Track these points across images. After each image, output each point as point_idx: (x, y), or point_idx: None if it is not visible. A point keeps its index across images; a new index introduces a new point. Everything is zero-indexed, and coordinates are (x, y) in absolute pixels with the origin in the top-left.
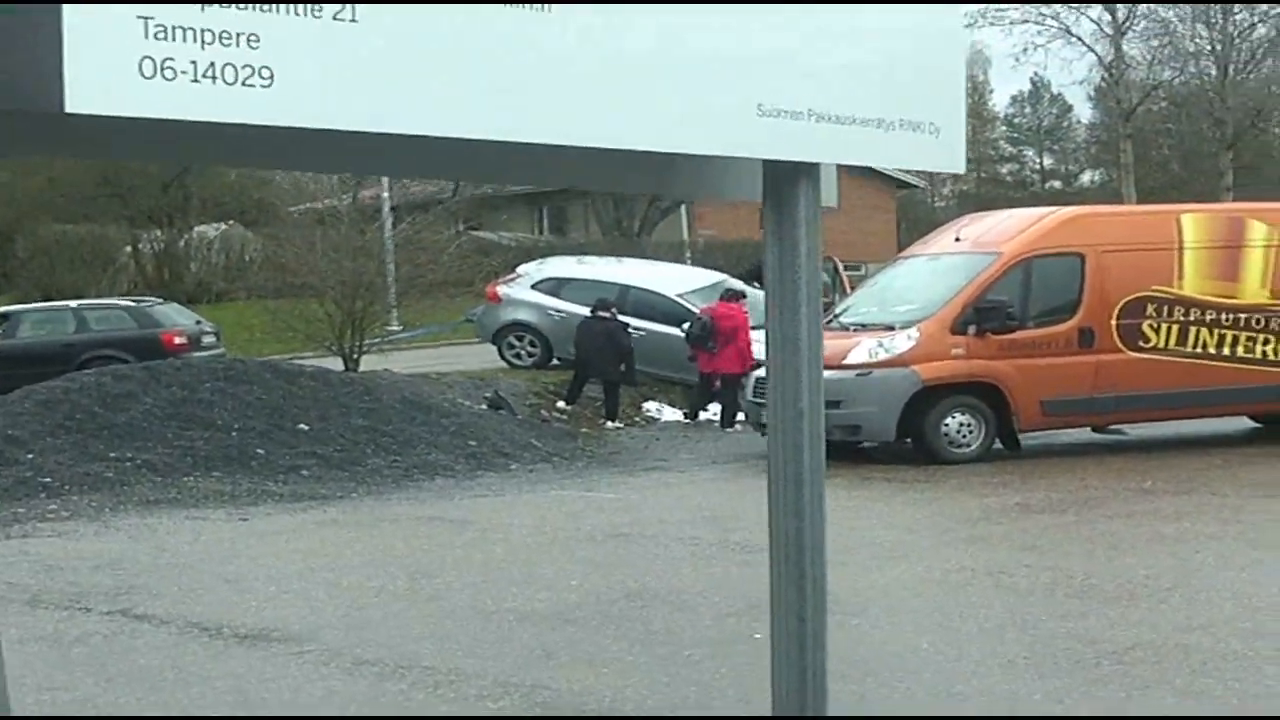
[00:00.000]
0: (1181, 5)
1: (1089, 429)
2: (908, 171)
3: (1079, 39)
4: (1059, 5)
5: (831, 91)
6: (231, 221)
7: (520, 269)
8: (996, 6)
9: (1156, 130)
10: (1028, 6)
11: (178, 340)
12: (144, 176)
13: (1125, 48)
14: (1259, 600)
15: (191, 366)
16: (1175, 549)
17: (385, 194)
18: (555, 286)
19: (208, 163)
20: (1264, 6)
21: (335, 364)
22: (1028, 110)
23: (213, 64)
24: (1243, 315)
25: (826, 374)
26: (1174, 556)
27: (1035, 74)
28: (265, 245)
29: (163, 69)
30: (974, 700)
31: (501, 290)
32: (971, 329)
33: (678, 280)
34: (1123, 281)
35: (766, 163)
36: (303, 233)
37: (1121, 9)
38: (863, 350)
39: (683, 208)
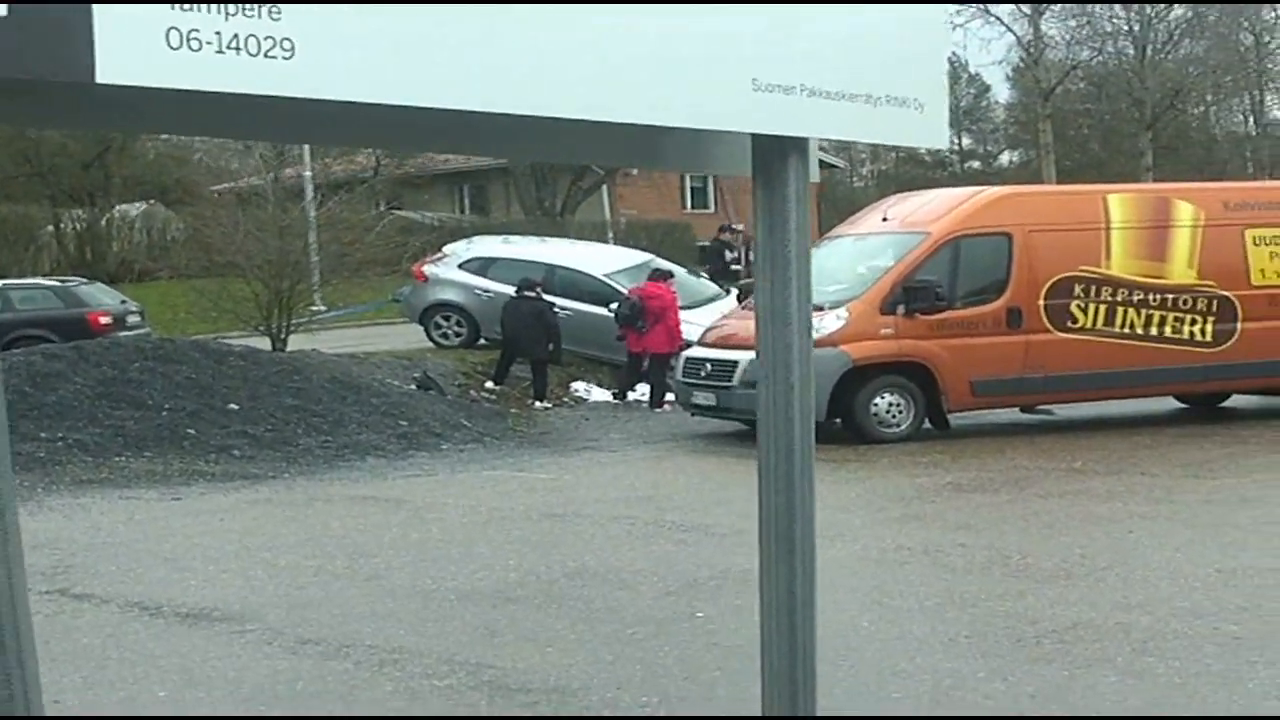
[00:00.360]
0: None
1: (1017, 409)
2: (825, 150)
3: (997, 18)
4: None
5: (822, 66)
6: (153, 200)
7: (447, 249)
8: None
9: (1075, 110)
10: None
11: (103, 320)
12: (64, 155)
13: (1043, 27)
14: (1195, 580)
15: (120, 346)
16: (1109, 529)
17: (307, 172)
18: (482, 266)
19: (231, 136)
20: None
21: (262, 344)
22: None
23: (236, 35)
24: (1169, 295)
25: (753, 354)
26: (1109, 536)
27: (953, 54)
28: (188, 224)
29: (189, 40)
30: (918, 678)
31: (428, 270)
32: (900, 309)
33: (605, 260)
34: (1050, 261)
35: (756, 138)
36: (226, 212)
37: None
38: None
39: (604, 188)
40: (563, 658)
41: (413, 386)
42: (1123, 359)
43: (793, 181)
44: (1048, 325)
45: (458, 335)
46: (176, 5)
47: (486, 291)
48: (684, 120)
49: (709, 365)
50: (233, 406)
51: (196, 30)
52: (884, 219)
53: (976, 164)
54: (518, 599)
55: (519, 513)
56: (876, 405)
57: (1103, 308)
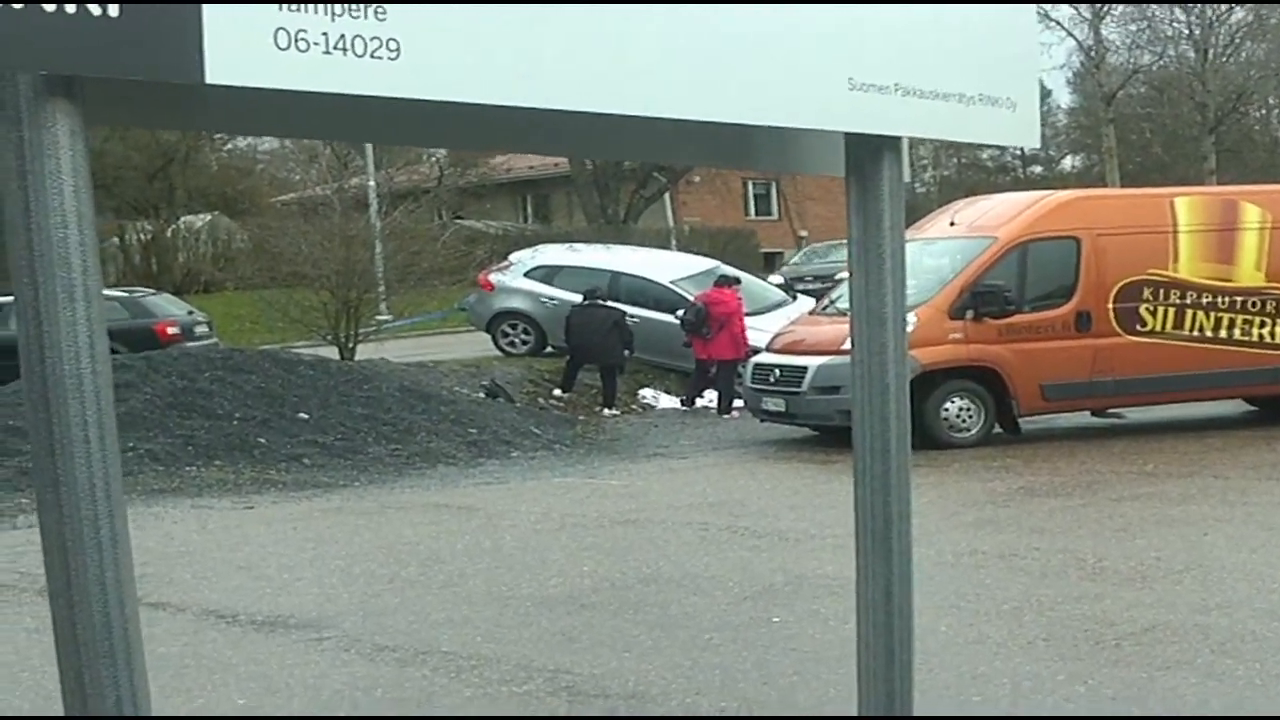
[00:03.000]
0: None
1: (1088, 412)
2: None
3: (1058, 23)
4: None
5: (916, 65)
6: (217, 211)
7: (512, 257)
8: None
9: (1137, 114)
10: None
11: (171, 330)
12: (128, 167)
13: (1104, 32)
14: (1272, 581)
15: (190, 356)
16: (1184, 531)
17: (371, 182)
18: (548, 274)
19: (337, 139)
20: None
21: (330, 353)
22: None
23: (343, 36)
24: (1238, 298)
25: (825, 360)
26: (1183, 539)
27: None
28: (253, 235)
29: (296, 40)
30: (997, 681)
31: (494, 278)
32: (969, 313)
33: (670, 267)
34: (1118, 265)
35: (849, 137)
36: (291, 222)
37: None
38: None
39: (666, 195)
40: (640, 663)
41: (481, 395)
42: (1192, 362)
43: (887, 180)
44: (1117, 329)
45: (524, 343)
46: (284, 6)
47: (553, 299)
48: (779, 119)
49: (778, 371)
50: (303, 415)
51: (304, 30)
52: (951, 223)
53: (1039, 169)
54: (593, 605)
55: (591, 519)
56: (946, 410)
57: (1172, 311)
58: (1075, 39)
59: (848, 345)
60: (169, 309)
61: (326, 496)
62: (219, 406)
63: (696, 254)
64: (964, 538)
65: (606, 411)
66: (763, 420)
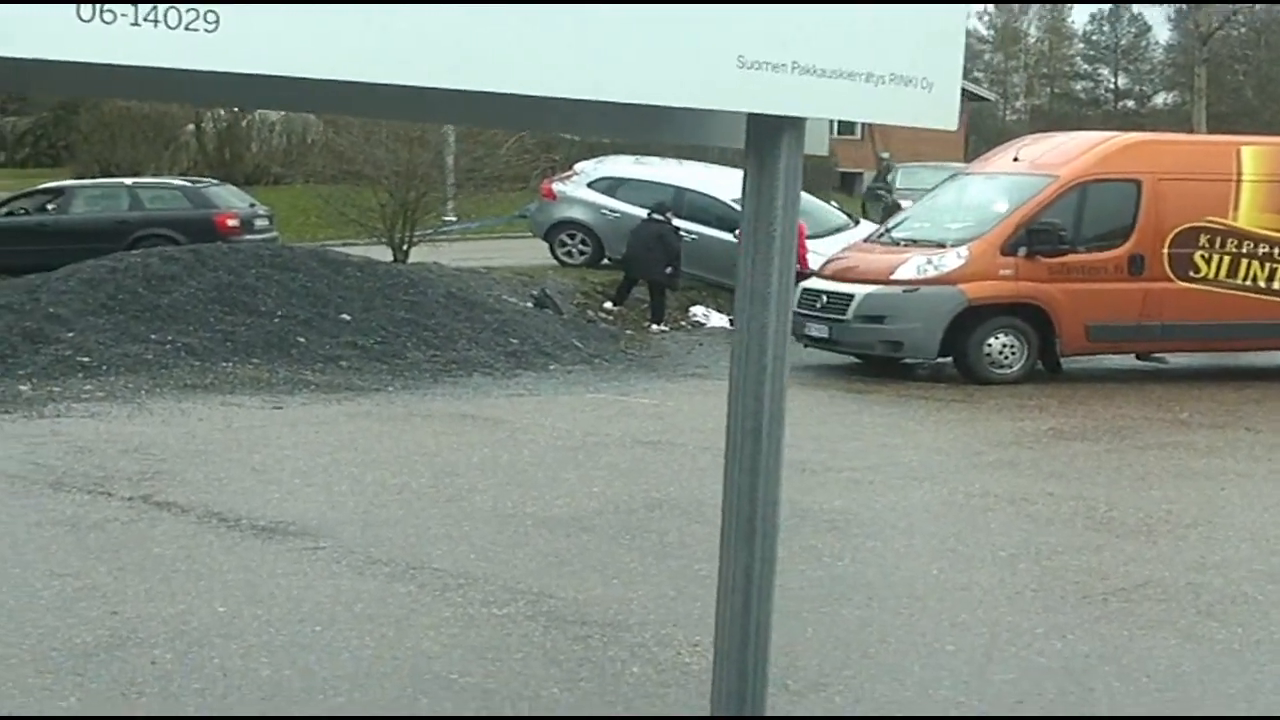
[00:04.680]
0: None
1: (1132, 356)
2: (978, 83)
3: None
4: None
5: (817, 45)
6: None
7: (577, 167)
8: None
9: (1233, 56)
10: None
11: (230, 222)
12: None
13: None
14: (1278, 542)
15: (239, 251)
16: (1202, 485)
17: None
18: (611, 186)
19: (151, 100)
20: None
21: (386, 254)
22: (1106, 29)
23: (154, 8)
24: None
25: (873, 289)
26: (1200, 492)
27: None
28: (326, 130)
29: (101, 14)
30: (975, 630)
31: (557, 188)
32: (1022, 250)
33: (735, 185)
34: (1178, 210)
35: (750, 115)
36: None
37: None
38: (911, 266)
39: None
40: (625, 590)
41: (529, 304)
42: (1243, 311)
43: (784, 159)
44: (1169, 274)
45: (582, 254)
46: None
47: (614, 211)
48: (672, 99)
49: (825, 297)
50: (345, 317)
51: (110, 4)
52: (1015, 159)
53: (1131, 103)
54: (593, 528)
55: (614, 439)
56: (990, 346)
57: (1227, 259)
58: None
59: (899, 275)
60: (231, 200)
61: (357, 400)
62: (262, 304)
63: None
64: (979, 479)
65: (654, 328)
66: (806, 345)
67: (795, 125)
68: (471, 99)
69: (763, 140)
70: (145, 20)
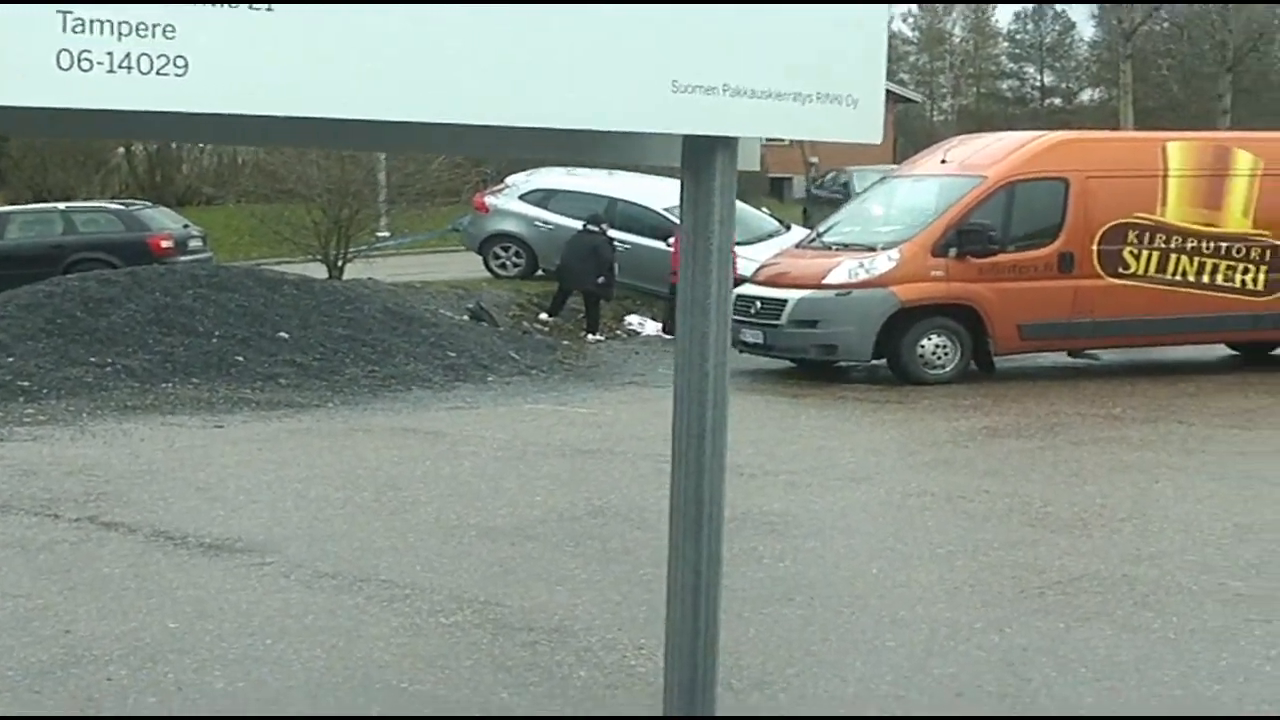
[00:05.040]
0: None
1: (1065, 353)
2: (904, 84)
3: None
4: None
5: (747, 66)
6: None
7: (509, 179)
8: None
9: (1157, 51)
10: None
11: (164, 244)
12: None
13: None
14: (1210, 533)
15: (175, 273)
16: (1136, 478)
17: None
18: (543, 198)
19: (128, 140)
20: None
21: (321, 271)
22: (1030, 27)
23: (129, 54)
24: (1223, 244)
25: (806, 293)
26: (1134, 486)
27: None
28: (257, 150)
29: (79, 60)
30: (915, 627)
31: (489, 201)
32: (952, 251)
33: (666, 194)
34: (1106, 207)
35: (685, 135)
36: None
37: None
38: (843, 270)
39: None
40: (571, 597)
41: (465, 317)
42: (1173, 306)
43: (719, 177)
44: (1099, 271)
45: (516, 266)
46: (69, 29)
47: (547, 223)
48: (611, 124)
49: (759, 303)
50: (283, 335)
51: (89, 51)
52: (943, 161)
53: (1058, 101)
54: (536, 536)
55: (553, 448)
56: (923, 346)
57: (1156, 254)
58: None
59: (830, 279)
60: (165, 222)
61: (298, 417)
62: (200, 324)
63: None
64: (916, 478)
65: (590, 337)
66: (741, 351)
67: (728, 144)
68: (420, 128)
69: (698, 159)
70: (120, 67)
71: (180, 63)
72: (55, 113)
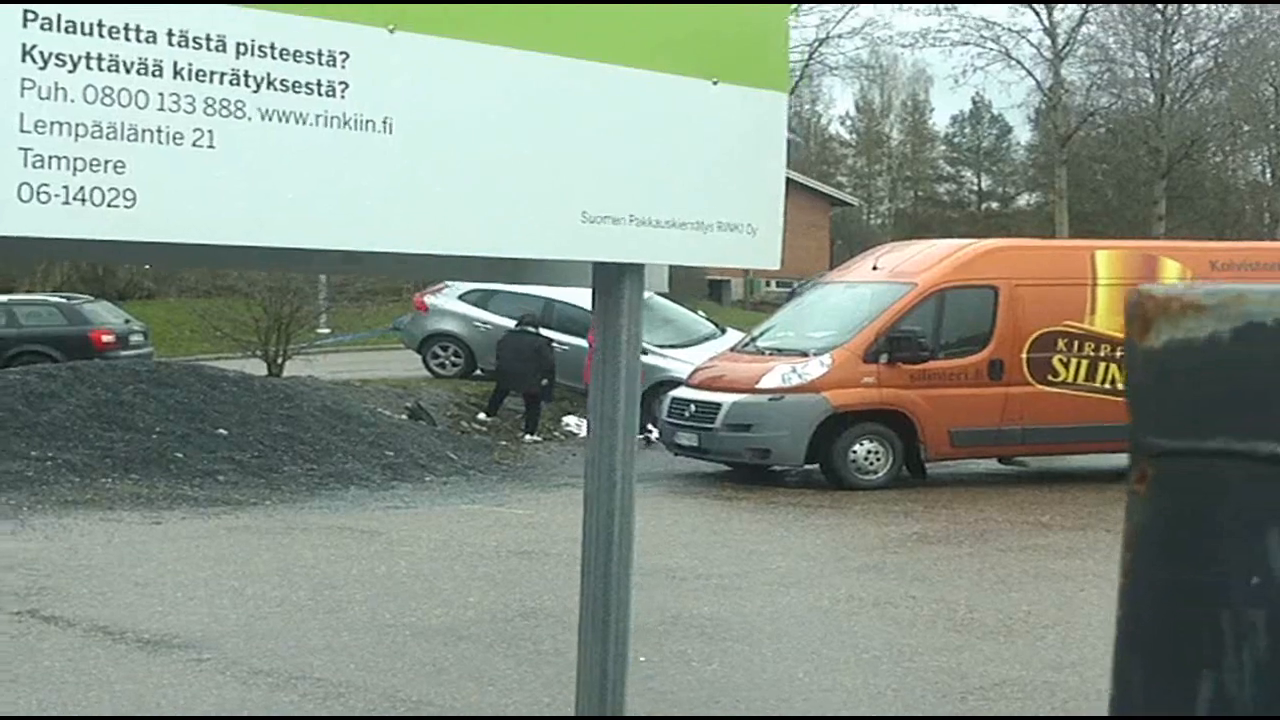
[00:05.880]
0: (1121, 33)
1: (995, 459)
2: (843, 187)
3: (1019, 62)
4: (1000, 29)
5: (652, 198)
6: None
7: (448, 279)
8: (938, 28)
9: (1093, 156)
10: (969, 29)
11: (106, 339)
12: None
13: (1064, 73)
14: None
15: (116, 368)
16: (1062, 586)
17: None
18: (482, 298)
19: (82, 260)
20: (1202, 37)
21: (260, 368)
22: (967, 130)
23: (82, 188)
24: None
25: (740, 398)
26: (1059, 593)
27: (977, 94)
28: None
29: (38, 193)
30: None
31: (429, 300)
32: (884, 357)
33: None
34: (1035, 315)
35: (595, 262)
36: None
37: (1061, 35)
38: (776, 375)
39: None
40: (501, 697)
41: (404, 416)
42: (1102, 413)
43: (627, 300)
44: (1029, 378)
45: (455, 365)
46: (30, 165)
47: (486, 324)
48: (526, 252)
49: (693, 406)
50: (222, 432)
51: (46, 185)
52: (874, 268)
53: (995, 204)
54: (469, 637)
55: (489, 549)
56: (855, 452)
57: (1085, 363)
58: (1035, 79)
59: (764, 384)
60: (106, 316)
61: (236, 514)
62: (140, 420)
63: None
64: (845, 583)
65: (528, 438)
66: (676, 454)
67: (635, 269)
68: (355, 255)
69: (607, 283)
70: (74, 199)
71: (129, 195)
72: (15, 240)
